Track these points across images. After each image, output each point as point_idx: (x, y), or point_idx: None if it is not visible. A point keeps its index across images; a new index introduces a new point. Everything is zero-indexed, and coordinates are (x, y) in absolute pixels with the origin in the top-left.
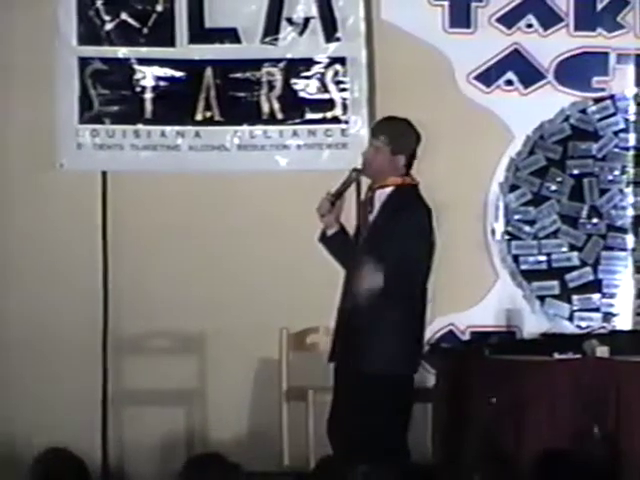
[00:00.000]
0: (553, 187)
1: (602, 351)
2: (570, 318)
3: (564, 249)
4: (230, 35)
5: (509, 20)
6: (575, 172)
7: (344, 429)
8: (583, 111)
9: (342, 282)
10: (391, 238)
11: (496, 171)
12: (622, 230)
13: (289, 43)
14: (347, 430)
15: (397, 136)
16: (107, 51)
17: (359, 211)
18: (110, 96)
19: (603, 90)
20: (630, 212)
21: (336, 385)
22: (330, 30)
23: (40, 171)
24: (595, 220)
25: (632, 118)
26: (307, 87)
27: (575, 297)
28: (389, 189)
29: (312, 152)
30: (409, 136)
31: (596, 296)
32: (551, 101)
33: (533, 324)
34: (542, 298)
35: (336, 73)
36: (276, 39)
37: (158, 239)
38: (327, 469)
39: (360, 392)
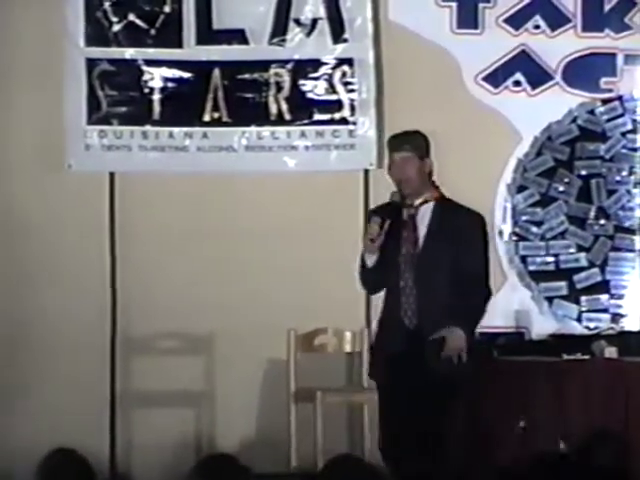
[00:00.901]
0: (561, 188)
1: (610, 352)
2: (578, 319)
3: (572, 250)
4: (238, 36)
5: (516, 21)
6: (583, 173)
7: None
8: (591, 112)
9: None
10: (461, 249)
11: (504, 172)
12: (630, 231)
13: (297, 44)
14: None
15: (417, 142)
16: (115, 52)
17: (394, 230)
18: (118, 97)
19: (611, 91)
20: (638, 213)
21: (394, 401)
22: (338, 31)
23: (49, 172)
24: (603, 221)
25: None
26: (315, 88)
27: (583, 298)
28: (431, 204)
29: (320, 153)
30: (424, 139)
31: (604, 297)
32: (559, 102)
33: (541, 325)
34: (550, 299)
35: (344, 74)
36: (284, 40)
37: (166, 240)
38: (335, 470)
39: (430, 395)
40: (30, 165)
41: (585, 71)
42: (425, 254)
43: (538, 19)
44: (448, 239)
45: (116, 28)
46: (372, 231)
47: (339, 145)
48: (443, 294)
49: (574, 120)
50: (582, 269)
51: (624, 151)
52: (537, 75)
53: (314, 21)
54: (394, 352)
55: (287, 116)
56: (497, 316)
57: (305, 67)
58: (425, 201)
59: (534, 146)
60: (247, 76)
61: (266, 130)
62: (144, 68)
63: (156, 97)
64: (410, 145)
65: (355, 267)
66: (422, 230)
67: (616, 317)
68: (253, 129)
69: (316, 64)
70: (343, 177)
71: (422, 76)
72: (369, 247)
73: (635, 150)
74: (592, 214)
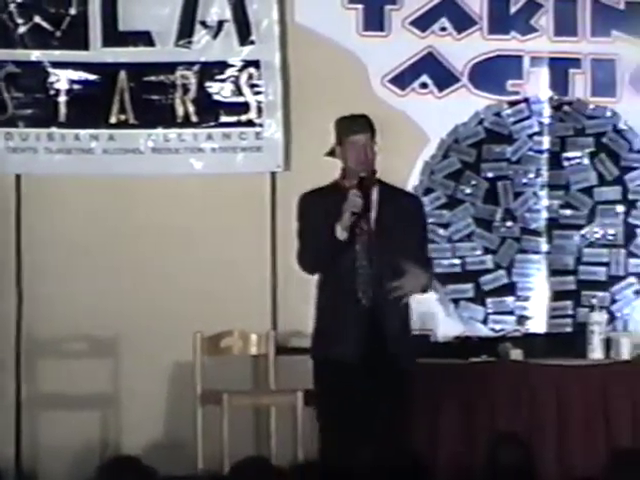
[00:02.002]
0: (468, 190)
1: (516, 354)
2: (484, 321)
3: (478, 252)
4: (144, 38)
5: (423, 23)
6: (489, 175)
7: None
8: (497, 114)
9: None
10: (412, 231)
11: (411, 174)
12: (536, 233)
13: (203, 46)
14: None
15: (370, 123)
16: (20, 54)
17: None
18: (24, 99)
19: (517, 93)
20: (544, 215)
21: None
22: (244, 33)
23: None
24: (509, 223)
25: (546, 121)
26: (221, 90)
27: (489, 300)
28: (377, 186)
29: (226, 155)
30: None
31: (510, 299)
32: (466, 104)
33: (447, 327)
34: (456, 301)
35: (250, 76)
36: (190, 42)
37: (73, 242)
38: (242, 472)
39: (398, 388)
40: None
41: (492, 73)
42: (380, 234)
43: (444, 21)
44: (396, 219)
45: (22, 30)
46: (357, 204)
47: (246, 147)
48: (398, 273)
49: (481, 122)
50: (488, 271)
51: (531, 153)
52: (444, 77)
53: (220, 23)
54: (353, 332)
55: (194, 118)
56: None
57: (211, 69)
58: (374, 181)
59: (441, 148)
60: (153, 78)
61: (172, 132)
62: (50, 70)
63: (62, 99)
64: (364, 127)
65: (262, 268)
66: (373, 211)
67: (522, 319)
68: (159, 131)
69: (222, 66)
70: (250, 179)
71: (329, 78)
72: (347, 221)
73: (541, 152)
74: (499, 216)
